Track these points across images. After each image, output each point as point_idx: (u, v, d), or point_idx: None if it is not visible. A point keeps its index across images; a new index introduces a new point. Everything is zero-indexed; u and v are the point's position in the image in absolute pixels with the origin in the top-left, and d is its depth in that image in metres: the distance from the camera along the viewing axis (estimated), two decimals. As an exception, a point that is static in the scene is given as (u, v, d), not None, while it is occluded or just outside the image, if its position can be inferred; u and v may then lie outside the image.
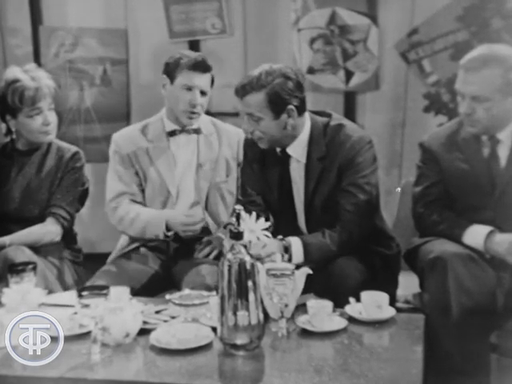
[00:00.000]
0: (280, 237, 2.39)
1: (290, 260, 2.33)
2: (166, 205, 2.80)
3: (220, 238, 2.73)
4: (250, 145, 2.64)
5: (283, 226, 2.54)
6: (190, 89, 2.72)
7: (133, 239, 2.84)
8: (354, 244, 2.44)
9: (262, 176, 2.62)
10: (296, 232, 2.50)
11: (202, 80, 2.73)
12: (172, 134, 2.83)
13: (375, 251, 2.54)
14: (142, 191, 2.82)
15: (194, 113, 2.75)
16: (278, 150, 2.56)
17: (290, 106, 2.42)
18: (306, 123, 2.52)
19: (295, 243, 2.38)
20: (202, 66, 2.72)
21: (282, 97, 2.40)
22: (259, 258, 2.20)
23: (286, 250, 2.36)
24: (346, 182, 2.46)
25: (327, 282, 2.34)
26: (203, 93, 2.75)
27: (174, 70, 2.73)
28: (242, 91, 2.42)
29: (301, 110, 2.46)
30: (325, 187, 2.49)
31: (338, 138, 2.48)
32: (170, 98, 2.78)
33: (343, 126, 2.50)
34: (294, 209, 2.58)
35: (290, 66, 2.54)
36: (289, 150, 2.53)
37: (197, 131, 2.83)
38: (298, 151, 2.53)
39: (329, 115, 2.56)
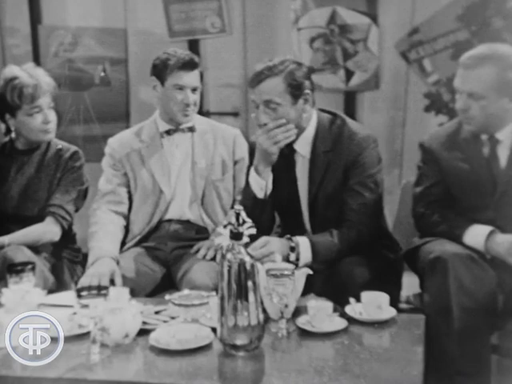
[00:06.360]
0: (288, 236, 2.38)
1: (297, 260, 2.33)
2: (159, 204, 2.80)
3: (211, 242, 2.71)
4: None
5: (287, 221, 2.57)
6: (181, 88, 2.73)
7: (130, 239, 2.83)
8: (362, 243, 2.43)
9: None
10: (300, 228, 2.51)
11: (191, 78, 2.75)
12: (166, 133, 2.83)
13: (380, 253, 2.52)
14: (129, 193, 2.83)
15: (188, 110, 2.77)
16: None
17: (307, 91, 2.44)
18: (312, 118, 2.52)
19: (303, 243, 2.36)
20: (190, 65, 2.74)
21: (299, 80, 2.42)
22: (258, 259, 2.19)
23: (292, 249, 2.35)
24: (353, 181, 2.45)
25: (335, 280, 2.33)
26: (194, 89, 2.77)
27: (163, 71, 2.74)
28: (258, 78, 2.42)
29: (312, 99, 2.48)
30: (329, 182, 2.48)
31: (344, 134, 2.48)
32: (163, 99, 2.79)
33: (349, 124, 2.51)
34: (299, 206, 2.57)
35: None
36: (295, 146, 2.52)
37: (191, 129, 2.84)
38: (303, 147, 2.52)
39: (334, 114, 2.57)
